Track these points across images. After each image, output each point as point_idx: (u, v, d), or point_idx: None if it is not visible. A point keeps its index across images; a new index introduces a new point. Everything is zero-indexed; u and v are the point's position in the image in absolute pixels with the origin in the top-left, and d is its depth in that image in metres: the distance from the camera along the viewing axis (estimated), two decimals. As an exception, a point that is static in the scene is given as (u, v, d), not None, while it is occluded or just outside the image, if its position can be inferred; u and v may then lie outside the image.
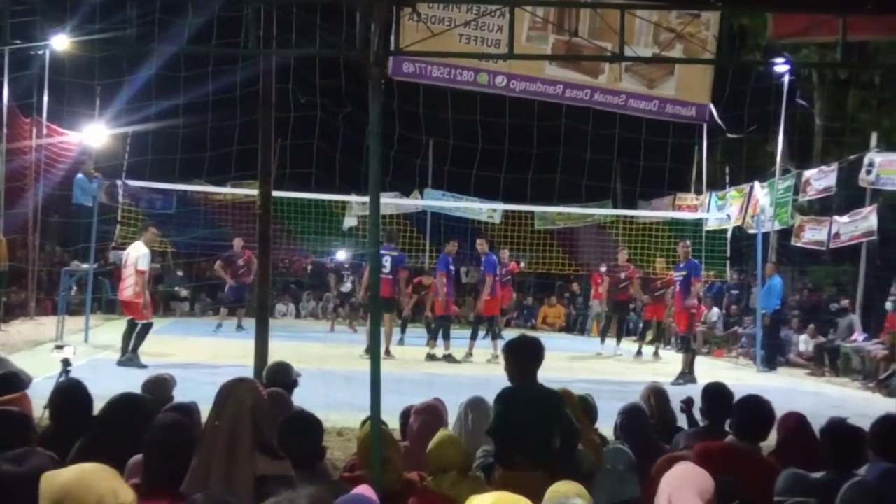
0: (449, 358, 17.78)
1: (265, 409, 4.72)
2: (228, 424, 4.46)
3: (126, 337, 15.06)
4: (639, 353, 21.30)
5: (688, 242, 18.71)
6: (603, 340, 21.84)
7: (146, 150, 22.73)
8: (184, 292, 27.92)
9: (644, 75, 10.33)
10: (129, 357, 14.70)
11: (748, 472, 5.14)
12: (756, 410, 5.73)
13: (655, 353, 21.18)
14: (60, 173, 21.88)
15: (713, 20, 9.73)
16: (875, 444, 5.27)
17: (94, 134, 22.09)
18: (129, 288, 15.32)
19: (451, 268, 18.91)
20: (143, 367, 13.84)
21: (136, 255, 15.37)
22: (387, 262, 17.59)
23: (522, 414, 5.49)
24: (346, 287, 25.11)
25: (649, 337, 22.60)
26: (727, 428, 5.94)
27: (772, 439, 6.16)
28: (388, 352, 16.94)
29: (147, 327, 15.22)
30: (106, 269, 23.89)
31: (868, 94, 26.54)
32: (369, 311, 17.95)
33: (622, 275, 22.04)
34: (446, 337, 18.24)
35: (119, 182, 22.31)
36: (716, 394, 6.54)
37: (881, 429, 5.32)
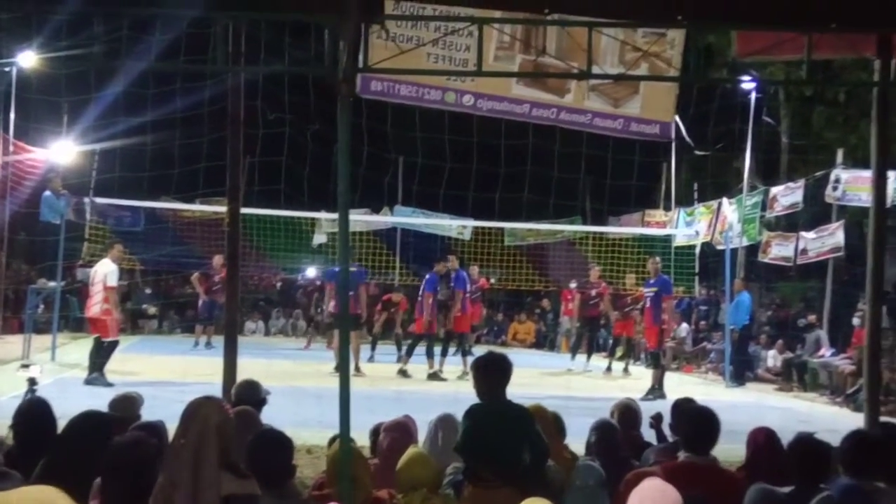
0: (434, 376, 17.71)
1: (231, 427, 4.69)
2: (194, 443, 4.43)
3: (93, 355, 14.96)
4: (608, 368, 21.36)
5: (657, 259, 18.78)
6: (573, 356, 21.89)
7: (114, 167, 22.60)
8: (152, 310, 27.75)
9: (609, 94, 10.39)
10: (95, 376, 14.59)
11: (715, 488, 5.15)
12: (700, 421, 5.75)
13: (625, 369, 21.25)
14: (27, 191, 21.65)
15: (678, 39, 9.81)
16: (844, 461, 5.30)
17: (62, 151, 21.91)
18: (96, 305, 15.23)
19: (438, 288, 18.82)
20: (110, 385, 13.74)
21: (105, 272, 15.29)
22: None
23: (491, 430, 5.48)
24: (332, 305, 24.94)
25: (619, 353, 22.66)
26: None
27: (741, 454, 6.20)
28: (357, 369, 16.86)
29: (112, 345, 15.12)
30: (73, 286, 23.74)
31: (833, 111, 26.79)
32: (336, 328, 17.98)
33: (593, 291, 22.15)
34: (430, 355, 18.22)
35: (87, 199, 22.15)
36: (685, 409, 6.56)
37: (850, 445, 5.36)
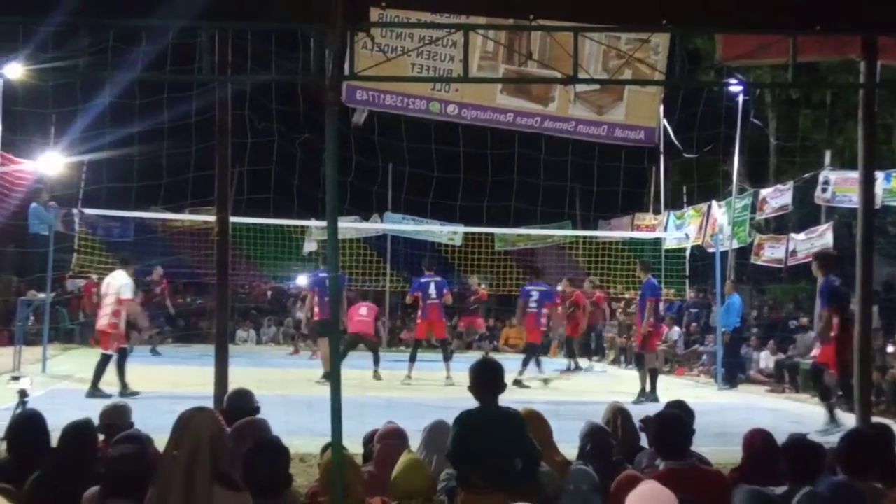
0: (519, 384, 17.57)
1: (225, 438, 4.66)
2: (187, 455, 4.40)
3: (99, 368, 14.77)
4: (574, 368, 21.52)
5: (645, 261, 18.75)
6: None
7: (102, 177, 22.62)
8: (143, 320, 27.68)
9: (593, 102, 10.42)
10: (93, 391, 14.42)
11: (701, 489, 5.16)
12: (664, 430, 5.76)
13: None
14: (15, 202, 21.64)
15: (663, 45, 9.84)
16: (841, 461, 5.31)
17: (50, 162, 21.90)
18: (105, 317, 15.07)
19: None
20: (108, 396, 13.56)
21: (119, 285, 15.12)
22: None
23: (481, 436, 5.47)
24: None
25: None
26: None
27: (734, 455, 6.21)
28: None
29: (107, 359, 15.00)
30: (63, 298, 23.69)
31: (820, 113, 26.90)
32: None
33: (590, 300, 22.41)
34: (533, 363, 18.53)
35: (75, 210, 22.16)
36: (679, 410, 6.57)
37: (847, 445, 5.37)
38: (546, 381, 18.23)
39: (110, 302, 15.11)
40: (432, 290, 18.64)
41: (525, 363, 18.35)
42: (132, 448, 4.84)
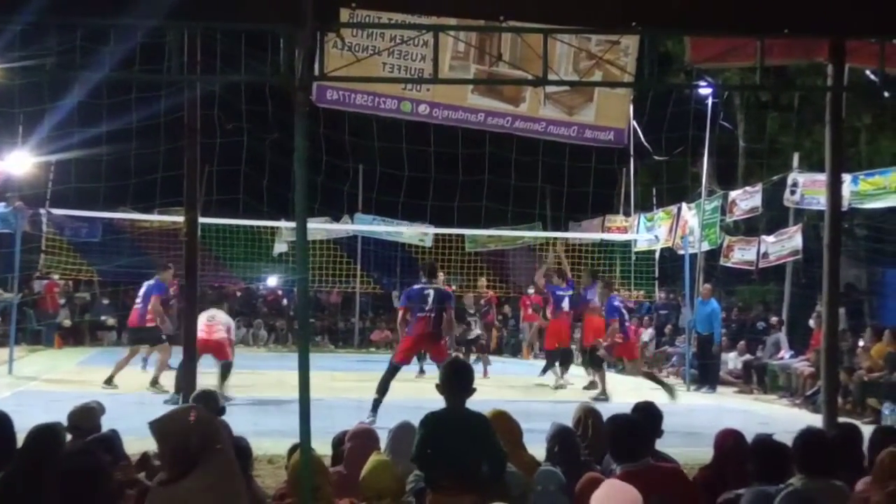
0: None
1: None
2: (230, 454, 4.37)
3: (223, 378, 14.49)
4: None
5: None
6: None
7: (70, 178, 22.44)
8: (111, 321, 27.38)
9: (564, 103, 10.46)
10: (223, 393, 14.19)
11: (660, 488, 5.15)
12: (614, 434, 5.75)
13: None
14: (-20, 202, 21.46)
15: (632, 47, 9.90)
16: (796, 460, 5.34)
17: (17, 162, 21.72)
18: (218, 332, 14.69)
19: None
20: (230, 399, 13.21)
21: (231, 324, 15.15)
22: (139, 291, 16.79)
23: (446, 439, 5.44)
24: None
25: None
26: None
27: (702, 455, 6.24)
28: (108, 380, 15.90)
29: (230, 365, 14.62)
30: (30, 298, 23.49)
31: (788, 115, 27.08)
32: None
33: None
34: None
35: (43, 211, 21.96)
36: (646, 412, 6.58)
37: (801, 444, 5.40)
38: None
39: (219, 328, 14.75)
40: None
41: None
42: (86, 446, 4.81)
